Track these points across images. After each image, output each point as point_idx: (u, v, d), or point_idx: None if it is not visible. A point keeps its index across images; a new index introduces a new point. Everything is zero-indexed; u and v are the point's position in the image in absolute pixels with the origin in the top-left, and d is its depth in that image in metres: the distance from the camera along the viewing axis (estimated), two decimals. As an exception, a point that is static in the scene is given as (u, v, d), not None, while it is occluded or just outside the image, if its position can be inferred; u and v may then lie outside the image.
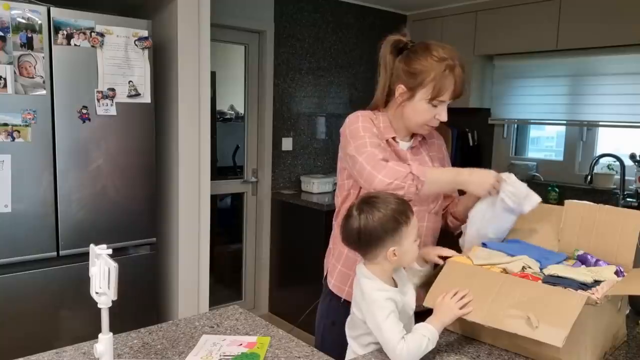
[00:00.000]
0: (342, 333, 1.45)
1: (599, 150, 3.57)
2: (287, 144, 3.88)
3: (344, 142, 1.57)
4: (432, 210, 1.63)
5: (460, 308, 1.27)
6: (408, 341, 1.21)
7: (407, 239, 1.30)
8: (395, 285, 1.35)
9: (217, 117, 3.76)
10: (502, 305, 1.24)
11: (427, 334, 1.23)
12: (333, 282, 1.66)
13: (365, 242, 1.30)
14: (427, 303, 1.35)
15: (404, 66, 1.54)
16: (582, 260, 1.44)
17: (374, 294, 1.28)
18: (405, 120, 1.58)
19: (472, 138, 4.16)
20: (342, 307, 1.57)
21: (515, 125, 4.04)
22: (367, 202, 1.31)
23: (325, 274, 1.73)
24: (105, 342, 1.12)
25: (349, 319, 1.43)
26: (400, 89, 1.55)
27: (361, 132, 1.52)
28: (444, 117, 1.55)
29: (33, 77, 2.15)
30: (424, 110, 1.52)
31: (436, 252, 1.51)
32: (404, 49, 1.57)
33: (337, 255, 1.66)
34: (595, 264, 1.41)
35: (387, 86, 1.60)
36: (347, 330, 1.43)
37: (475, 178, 1.48)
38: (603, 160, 3.38)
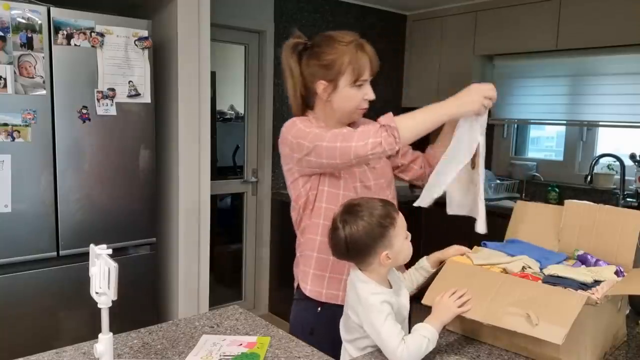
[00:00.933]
0: (320, 341, 1.41)
1: (599, 150, 3.57)
2: (287, 144, 3.88)
3: (288, 149, 1.52)
4: (389, 197, 1.61)
5: (459, 307, 1.27)
6: (408, 343, 1.21)
7: (396, 239, 1.29)
8: (390, 287, 1.35)
9: (217, 117, 3.76)
10: (502, 304, 1.24)
11: (427, 335, 1.22)
12: (309, 288, 1.58)
13: (354, 252, 1.29)
14: (425, 301, 1.34)
15: (315, 62, 1.53)
16: (582, 260, 1.44)
17: (370, 299, 1.26)
18: (337, 112, 1.56)
19: (472, 138, 4.15)
20: (321, 314, 1.55)
21: (515, 125, 4.04)
22: (350, 211, 1.30)
23: (296, 284, 1.66)
24: (105, 342, 1.12)
25: (342, 322, 1.41)
26: (321, 85, 1.53)
27: (306, 129, 1.50)
28: (371, 95, 1.54)
29: (33, 77, 2.15)
30: (352, 95, 1.52)
31: (455, 252, 1.50)
32: (305, 49, 1.57)
33: (306, 261, 1.60)
34: (595, 264, 1.41)
35: (298, 90, 1.58)
36: (342, 333, 1.41)
37: (465, 97, 1.44)
38: (603, 160, 3.38)
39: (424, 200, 1.53)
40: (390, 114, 1.43)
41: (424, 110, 1.44)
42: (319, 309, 1.57)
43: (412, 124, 1.41)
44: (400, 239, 1.30)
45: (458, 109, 1.44)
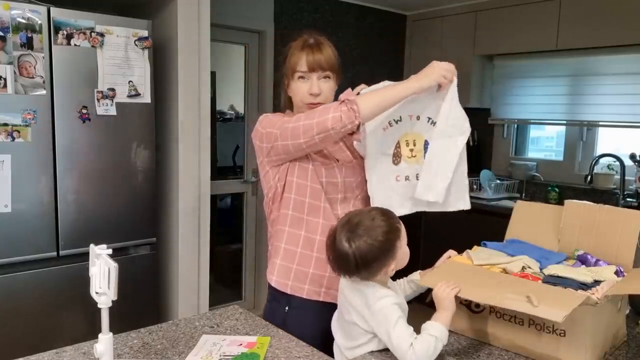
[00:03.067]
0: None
1: (599, 150, 3.57)
2: (287, 144, 3.88)
3: (259, 141, 1.57)
4: (359, 196, 1.63)
5: (453, 289, 1.26)
6: (416, 346, 1.20)
7: (401, 249, 1.31)
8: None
9: (217, 117, 3.76)
10: (501, 292, 1.23)
11: (435, 333, 1.21)
12: (275, 279, 1.58)
13: (364, 268, 1.28)
14: (422, 282, 1.37)
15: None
16: (582, 260, 1.44)
17: (379, 303, 1.26)
18: (295, 106, 1.63)
19: (472, 138, 4.15)
20: (291, 312, 1.56)
21: (515, 125, 4.04)
22: (354, 231, 1.27)
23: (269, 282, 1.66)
24: (105, 342, 1.12)
25: (341, 329, 1.39)
26: (284, 82, 1.63)
27: (274, 119, 1.55)
28: (314, 89, 1.55)
29: (33, 77, 2.15)
30: (296, 88, 1.57)
31: (443, 260, 1.51)
32: None
33: (274, 252, 1.61)
34: (595, 264, 1.41)
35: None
36: (341, 341, 1.39)
37: (424, 72, 1.49)
38: (603, 160, 3.38)
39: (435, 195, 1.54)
40: (349, 89, 1.50)
41: (386, 87, 1.51)
42: (287, 308, 1.57)
43: (373, 98, 1.46)
44: (403, 248, 1.32)
45: (418, 82, 1.47)
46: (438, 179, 1.53)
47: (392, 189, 1.59)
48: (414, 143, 1.59)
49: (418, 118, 1.58)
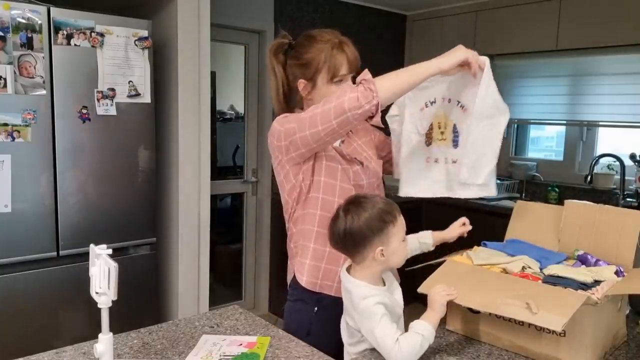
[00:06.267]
0: (318, 342, 1.38)
1: (599, 150, 3.57)
2: (287, 143, 3.88)
3: (276, 140, 1.51)
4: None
5: (448, 294, 1.25)
6: (401, 343, 1.20)
7: (394, 238, 1.29)
8: (384, 284, 1.35)
9: (217, 117, 3.76)
10: (501, 296, 1.23)
11: (421, 331, 1.21)
12: (305, 279, 1.55)
13: (351, 242, 1.29)
14: (421, 289, 1.35)
15: (295, 62, 1.55)
16: (582, 260, 1.44)
17: (362, 303, 1.26)
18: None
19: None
20: (318, 315, 1.53)
21: (515, 125, 4.04)
22: (354, 202, 1.31)
23: (290, 278, 1.64)
24: (105, 342, 1.12)
25: (343, 326, 1.40)
26: (301, 84, 1.55)
27: (291, 116, 1.50)
28: None
29: (33, 77, 2.15)
30: (331, 92, 1.50)
31: (458, 229, 1.56)
32: (290, 49, 1.59)
33: (302, 252, 1.57)
34: (595, 264, 1.41)
35: (281, 91, 1.61)
36: (344, 337, 1.40)
37: (448, 54, 1.47)
38: (603, 160, 3.38)
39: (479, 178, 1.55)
40: (366, 70, 1.42)
41: (405, 69, 1.44)
42: (316, 309, 1.55)
43: (391, 78, 1.40)
44: (398, 239, 1.30)
45: (441, 64, 1.44)
46: (484, 162, 1.53)
47: (419, 170, 1.63)
48: (445, 126, 1.60)
49: (449, 101, 1.59)
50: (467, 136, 1.54)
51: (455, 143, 1.60)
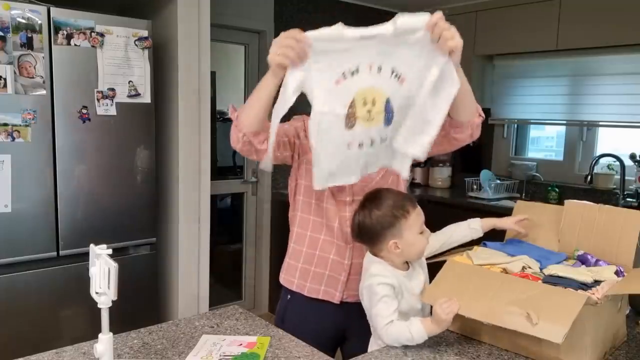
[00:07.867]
0: (290, 330, 1.44)
1: (599, 150, 3.57)
2: (287, 143, 3.88)
3: None
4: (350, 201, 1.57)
5: (447, 314, 1.25)
6: (391, 328, 1.27)
7: (408, 231, 1.35)
8: (407, 269, 1.41)
9: (217, 117, 3.76)
10: (501, 302, 1.24)
11: (415, 333, 1.26)
12: (283, 277, 1.65)
13: (366, 235, 1.40)
14: (424, 299, 1.37)
15: None
16: (582, 260, 1.44)
17: (368, 280, 1.35)
18: None
19: (472, 138, 4.15)
20: (290, 301, 1.62)
21: (515, 125, 4.04)
22: (370, 199, 1.40)
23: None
24: (105, 342, 1.12)
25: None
26: None
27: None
28: None
29: (33, 77, 2.15)
30: None
31: (513, 221, 1.58)
32: None
33: (288, 251, 1.66)
34: (595, 264, 1.41)
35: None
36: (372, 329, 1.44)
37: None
38: (603, 160, 3.38)
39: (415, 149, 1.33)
40: (231, 105, 1.47)
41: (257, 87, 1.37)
42: (289, 296, 1.63)
43: (247, 102, 1.42)
44: (413, 232, 1.35)
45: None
46: (426, 131, 1.29)
47: (341, 161, 1.33)
48: (372, 102, 1.27)
49: (380, 69, 1.25)
50: (408, 109, 1.29)
51: (388, 122, 1.31)
